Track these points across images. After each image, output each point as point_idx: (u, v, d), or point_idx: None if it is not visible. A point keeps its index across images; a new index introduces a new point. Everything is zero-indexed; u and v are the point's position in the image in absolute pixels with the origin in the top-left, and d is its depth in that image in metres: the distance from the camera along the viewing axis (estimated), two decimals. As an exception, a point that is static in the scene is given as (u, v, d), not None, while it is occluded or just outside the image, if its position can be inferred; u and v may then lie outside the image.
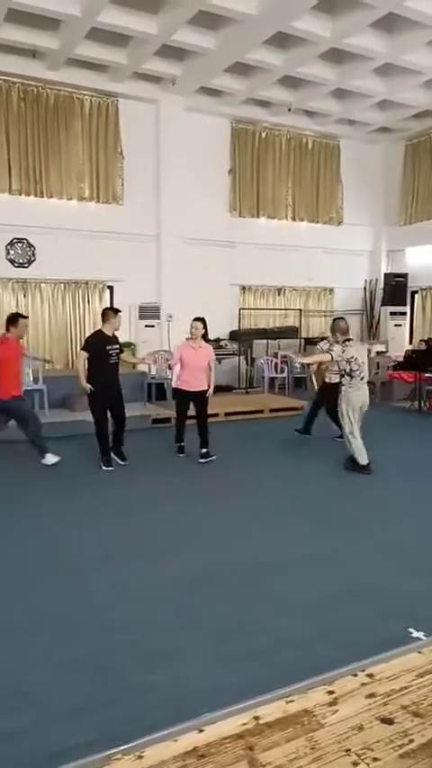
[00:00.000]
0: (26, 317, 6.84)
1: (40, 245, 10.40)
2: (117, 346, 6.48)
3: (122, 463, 6.53)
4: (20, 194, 10.21)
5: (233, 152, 12.27)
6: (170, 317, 11.18)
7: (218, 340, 11.81)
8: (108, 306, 9.75)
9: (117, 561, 4.15)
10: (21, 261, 10.37)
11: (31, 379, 8.70)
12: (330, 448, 7.36)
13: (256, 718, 2.29)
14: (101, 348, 6.29)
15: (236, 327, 12.27)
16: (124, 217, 10.99)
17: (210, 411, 9.10)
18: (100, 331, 6.50)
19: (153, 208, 11.27)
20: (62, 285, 10.74)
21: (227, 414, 9.33)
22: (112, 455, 6.53)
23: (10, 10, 8.03)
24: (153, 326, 11.22)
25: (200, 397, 6.85)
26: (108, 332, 6.43)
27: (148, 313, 11.22)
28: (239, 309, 12.46)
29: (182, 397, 6.90)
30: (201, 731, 2.23)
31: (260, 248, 12.45)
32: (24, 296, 10.46)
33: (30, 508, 5.35)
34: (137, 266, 11.13)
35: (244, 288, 12.61)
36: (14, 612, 3.44)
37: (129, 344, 10.78)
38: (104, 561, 4.16)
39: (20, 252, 10.36)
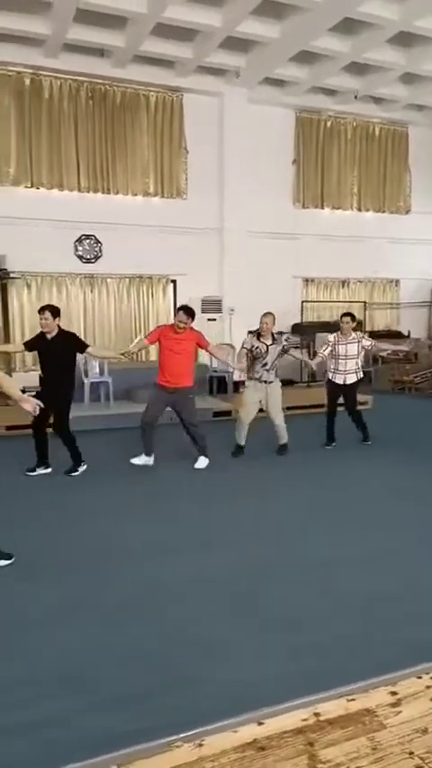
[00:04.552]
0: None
1: (107, 241, 10.64)
2: None
3: None
4: (88, 192, 10.48)
5: (297, 142, 12.11)
6: (232, 310, 11.19)
7: (280, 333, 11.69)
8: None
9: (173, 552, 4.20)
10: (88, 257, 10.64)
11: (98, 371, 8.94)
12: (389, 446, 7.19)
13: (317, 714, 2.28)
14: None
15: (298, 320, 12.14)
16: (188, 211, 11.07)
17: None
18: None
19: (216, 201, 11.30)
20: (127, 280, 10.95)
21: (288, 408, 9.25)
22: None
23: (78, 10, 8.21)
24: (215, 320, 11.26)
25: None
26: None
27: (211, 307, 11.27)
28: (302, 302, 12.32)
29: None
30: (260, 724, 2.23)
31: (324, 239, 12.26)
32: (91, 291, 10.74)
33: (86, 496, 5.51)
34: (200, 260, 11.20)
35: (307, 280, 12.46)
36: (68, 599, 3.52)
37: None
38: (160, 552, 4.21)
39: (87, 248, 10.64)
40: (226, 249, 11.38)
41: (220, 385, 10.36)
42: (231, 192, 11.25)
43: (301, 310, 12.25)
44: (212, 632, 3.13)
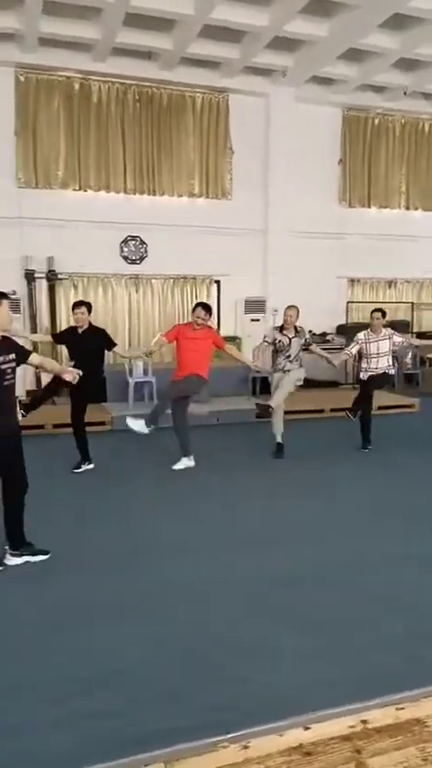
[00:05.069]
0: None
1: (152, 242, 10.73)
2: (11, 356, 3.94)
3: (16, 560, 3.97)
4: (134, 193, 10.60)
5: (344, 141, 11.95)
6: (275, 311, 11.11)
7: (324, 334, 11.61)
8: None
9: (212, 552, 4.21)
10: (134, 258, 10.77)
11: (142, 371, 9.04)
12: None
13: (364, 721, 2.24)
14: None
15: (343, 321, 11.99)
16: (232, 212, 11.07)
17: (315, 407, 9.00)
18: None
19: (261, 202, 11.26)
20: (171, 280, 11.03)
21: (332, 410, 9.16)
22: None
23: (127, 14, 8.31)
24: (258, 320, 11.22)
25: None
26: None
27: (254, 307, 11.25)
28: (347, 303, 12.16)
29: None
30: (307, 728, 2.22)
31: (370, 239, 12.04)
32: (136, 291, 10.86)
33: (124, 493, 5.57)
34: (243, 260, 11.17)
35: (353, 280, 12.29)
36: (109, 596, 3.56)
37: (234, 338, 10.91)
38: (199, 551, 4.23)
39: (133, 249, 10.76)
40: (270, 249, 11.33)
41: (263, 386, 10.31)
42: (276, 192, 11.19)
43: (347, 311, 12.09)
44: (256, 633, 3.12)
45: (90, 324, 6.19)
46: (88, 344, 6.08)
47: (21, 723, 2.43)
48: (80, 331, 6.12)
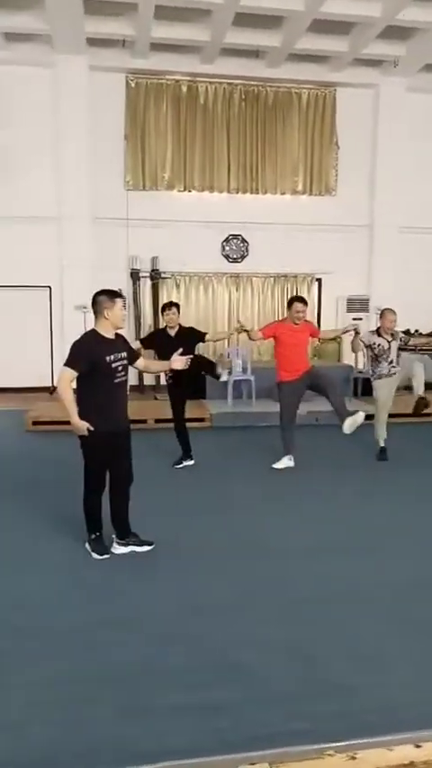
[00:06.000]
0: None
1: (253, 241, 10.76)
2: (123, 354, 4.05)
3: (122, 549, 4.14)
4: (237, 192, 10.67)
5: (458, 131, 11.35)
6: (379, 309, 10.78)
7: (431, 335, 11.10)
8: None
9: (318, 552, 4.13)
10: (235, 256, 10.85)
11: (240, 369, 9.08)
12: None
13: None
14: (97, 359, 3.89)
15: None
16: (336, 208, 10.86)
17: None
18: (93, 331, 4.03)
19: (366, 197, 10.95)
20: (272, 279, 11.00)
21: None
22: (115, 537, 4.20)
23: (236, 14, 8.36)
24: (361, 319, 10.91)
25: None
26: (105, 332, 4.00)
27: (357, 306, 10.96)
28: (458, 302, 11.54)
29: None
30: (418, 746, 2.12)
31: None
32: (237, 290, 10.93)
33: (225, 490, 5.60)
34: (346, 258, 10.93)
35: (465, 278, 11.64)
36: (214, 592, 3.58)
37: (333, 338, 10.67)
38: (302, 549, 4.17)
39: (234, 248, 10.84)
40: (375, 246, 10.99)
41: (365, 386, 10.02)
42: (384, 186, 10.83)
43: (457, 311, 11.47)
44: (373, 642, 3.03)
45: (179, 324, 6.26)
46: (183, 345, 6.11)
47: (137, 708, 2.50)
48: (172, 333, 6.15)
